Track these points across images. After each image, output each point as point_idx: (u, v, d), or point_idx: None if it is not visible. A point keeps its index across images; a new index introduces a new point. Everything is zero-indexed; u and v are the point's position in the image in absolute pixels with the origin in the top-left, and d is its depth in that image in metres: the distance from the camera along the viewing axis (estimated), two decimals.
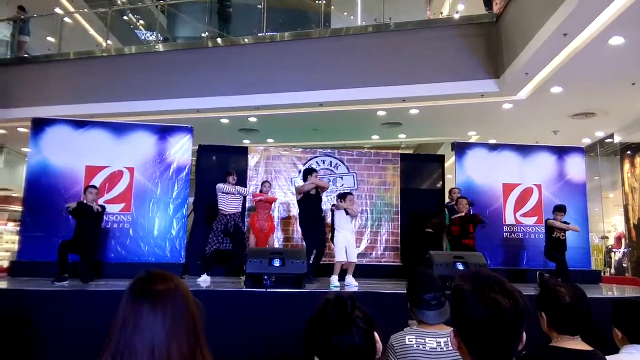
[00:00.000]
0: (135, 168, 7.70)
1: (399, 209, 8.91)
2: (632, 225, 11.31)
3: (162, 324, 1.16)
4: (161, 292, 1.19)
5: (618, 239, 12.03)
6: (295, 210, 8.45)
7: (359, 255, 7.66)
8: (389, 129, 11.11)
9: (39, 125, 7.68)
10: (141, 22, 14.61)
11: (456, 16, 10.50)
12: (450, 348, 2.08)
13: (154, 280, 1.22)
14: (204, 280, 6.37)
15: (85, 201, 6.41)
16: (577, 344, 1.96)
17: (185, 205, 7.85)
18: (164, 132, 8.00)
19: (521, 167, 8.78)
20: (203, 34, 11.38)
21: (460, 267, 5.97)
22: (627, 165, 11.62)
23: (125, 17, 14.16)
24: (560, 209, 7.15)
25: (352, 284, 6.37)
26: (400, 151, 11.96)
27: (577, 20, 6.22)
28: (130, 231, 7.53)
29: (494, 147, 9.02)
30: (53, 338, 4.53)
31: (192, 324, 1.20)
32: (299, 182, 8.76)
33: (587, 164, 9.21)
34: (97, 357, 1.17)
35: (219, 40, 10.52)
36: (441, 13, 12.59)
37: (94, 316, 4.14)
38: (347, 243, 6.47)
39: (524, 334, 1.20)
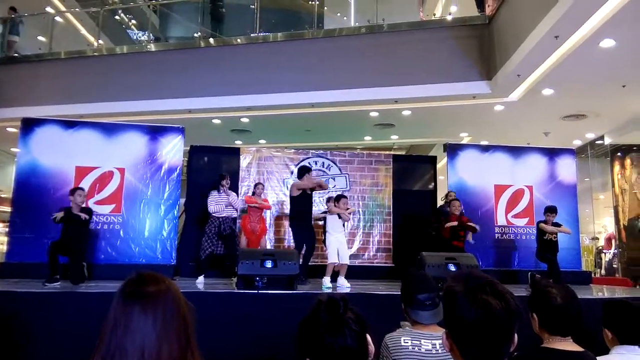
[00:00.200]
0: (126, 169, 7.65)
1: (392, 210, 8.92)
2: (622, 226, 11.41)
3: (153, 325, 1.15)
4: (152, 294, 1.18)
5: (608, 240, 12.12)
6: (285, 211, 8.47)
7: (351, 257, 7.66)
8: (382, 130, 11.13)
9: (29, 125, 7.60)
10: (133, 21, 14.52)
11: (449, 18, 10.55)
12: (445, 350, 2.07)
13: (145, 282, 1.21)
14: (201, 282, 6.38)
15: (72, 204, 6.30)
16: (569, 345, 1.97)
17: (177, 207, 7.80)
18: (155, 132, 7.95)
19: (513, 169, 8.82)
20: (195, 34, 11.33)
21: (452, 268, 5.98)
22: (617, 167, 11.72)
23: (117, 17, 14.07)
24: (551, 210, 7.19)
25: (344, 285, 6.37)
26: (392, 152, 11.99)
27: (568, 23, 6.27)
28: (121, 232, 7.48)
29: (485, 149, 9.06)
30: (43, 340, 4.49)
31: (183, 325, 1.20)
32: (291, 182, 8.76)
33: (577, 165, 9.28)
34: (88, 359, 1.16)
35: (211, 40, 10.49)
36: (434, 14, 12.65)
37: (84, 318, 4.11)
38: (339, 245, 6.47)
39: (516, 335, 1.20)
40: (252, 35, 10.29)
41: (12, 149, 11.46)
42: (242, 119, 10.43)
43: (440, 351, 2.14)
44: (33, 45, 11.68)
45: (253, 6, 10.68)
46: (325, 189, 7.57)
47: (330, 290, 6.05)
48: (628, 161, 11.48)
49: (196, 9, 11.70)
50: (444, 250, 7.12)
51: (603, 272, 11.98)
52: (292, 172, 8.83)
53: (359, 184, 8.95)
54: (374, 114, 9.96)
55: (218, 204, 6.79)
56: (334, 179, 8.86)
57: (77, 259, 6.27)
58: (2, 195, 12.89)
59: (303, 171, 7.14)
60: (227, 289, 5.89)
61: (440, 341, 2.15)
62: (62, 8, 12.88)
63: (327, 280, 6.32)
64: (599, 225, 13.02)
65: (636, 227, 11.23)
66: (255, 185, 7.89)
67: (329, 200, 7.90)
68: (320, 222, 7.89)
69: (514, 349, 1.22)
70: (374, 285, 6.71)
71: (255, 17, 10.46)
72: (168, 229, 7.62)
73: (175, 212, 7.76)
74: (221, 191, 6.87)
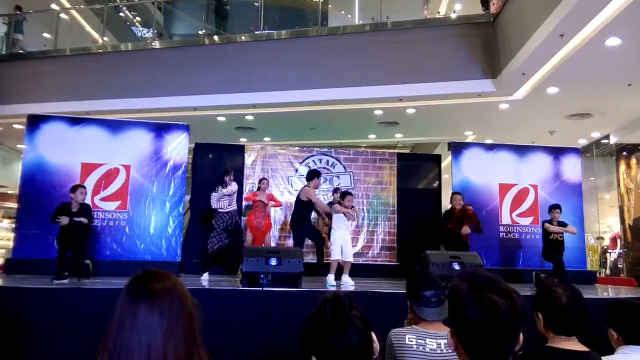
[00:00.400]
0: (132, 166, 7.67)
1: (396, 208, 8.92)
2: (627, 226, 11.35)
3: (159, 323, 1.15)
4: (158, 291, 1.19)
5: (613, 240, 12.08)
6: (290, 208, 8.51)
7: (356, 255, 7.66)
8: (386, 128, 11.11)
9: (35, 122, 7.63)
10: (137, 18, 14.53)
11: (453, 16, 10.52)
12: (450, 350, 2.08)
13: (151, 278, 1.21)
14: (206, 279, 6.41)
15: (73, 201, 6.30)
16: (573, 344, 1.97)
17: (182, 204, 7.83)
18: (160, 129, 7.97)
19: (517, 168, 8.79)
20: (200, 32, 11.34)
21: (456, 267, 5.98)
22: (622, 166, 11.66)
23: (121, 14, 14.10)
24: (555, 207, 7.17)
25: (348, 283, 6.37)
26: (396, 150, 11.98)
27: (574, 21, 6.24)
28: (127, 229, 7.50)
29: (490, 147, 9.03)
30: (49, 336, 4.51)
31: (189, 322, 1.20)
32: (296, 181, 8.78)
33: (583, 164, 9.23)
34: (94, 355, 1.17)
35: (215, 37, 10.50)
36: (438, 13, 12.60)
37: (90, 314, 4.13)
38: (343, 242, 6.47)
39: (521, 334, 1.21)
40: (256, 32, 10.29)
41: (18, 146, 11.51)
42: (246, 117, 10.44)
43: (445, 351, 2.14)
44: (38, 42, 11.73)
45: (257, 3, 10.68)
46: (328, 214, 7.52)
47: (334, 288, 6.05)
48: (634, 160, 11.41)
49: (200, 6, 11.72)
50: (448, 243, 7.13)
51: (608, 271, 11.95)
52: (296, 170, 8.84)
53: (363, 182, 8.95)
54: (378, 112, 9.95)
55: (220, 200, 6.83)
56: (338, 177, 8.85)
57: (79, 253, 6.30)
58: (9, 192, 12.97)
59: (312, 175, 7.18)
60: (232, 286, 5.90)
61: (445, 340, 2.14)
62: (67, 5, 12.93)
63: (331, 278, 6.33)
64: (604, 224, 12.98)
65: None
66: (260, 180, 7.92)
67: (335, 191, 7.91)
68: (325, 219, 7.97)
69: (518, 348, 1.22)
70: (378, 284, 6.71)
71: (260, 15, 10.46)
72: (173, 226, 7.65)
73: (180, 209, 7.78)
74: (224, 186, 6.92)
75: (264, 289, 5.24)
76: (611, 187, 12.25)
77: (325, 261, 7.25)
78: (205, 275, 6.52)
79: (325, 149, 9.26)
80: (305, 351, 1.40)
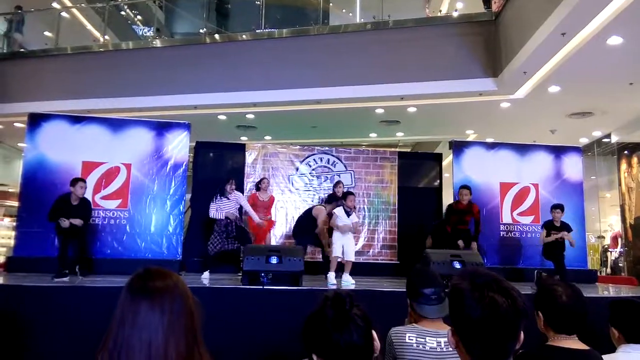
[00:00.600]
0: (133, 164, 7.68)
1: (397, 207, 8.92)
2: (628, 225, 11.34)
3: (160, 321, 1.15)
4: (159, 289, 1.19)
5: (614, 239, 12.07)
6: (290, 207, 8.50)
7: (356, 254, 7.64)
8: (387, 127, 11.11)
9: (36, 121, 7.64)
10: (139, 17, 14.54)
11: (455, 14, 10.51)
12: (450, 348, 2.08)
13: (152, 277, 1.21)
14: (206, 277, 6.40)
15: (72, 194, 6.28)
16: (574, 343, 1.97)
17: (183, 202, 7.83)
18: (161, 128, 7.97)
19: (518, 166, 8.78)
20: (201, 30, 11.34)
21: (457, 265, 5.97)
22: (624, 165, 11.64)
23: (122, 13, 14.10)
24: (556, 207, 7.12)
25: (349, 281, 6.37)
26: (397, 149, 11.98)
27: (575, 20, 6.23)
28: (127, 227, 7.51)
29: (491, 146, 9.02)
30: (50, 334, 4.52)
31: (190, 320, 1.20)
32: (297, 179, 8.78)
33: (584, 163, 9.21)
34: (95, 353, 1.17)
35: (217, 36, 10.50)
36: (440, 11, 12.58)
37: (91, 312, 4.14)
38: (344, 241, 6.47)
39: (522, 332, 1.21)
40: (257, 31, 10.29)
41: (19, 144, 11.53)
42: (247, 115, 10.43)
43: (444, 349, 2.14)
44: (40, 40, 11.74)
45: (258, 2, 10.68)
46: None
47: (335, 286, 6.06)
48: (635, 159, 11.39)
49: (202, 5, 11.72)
50: (451, 234, 7.20)
51: (609, 270, 11.94)
52: (297, 169, 8.84)
53: (364, 181, 8.95)
54: (379, 111, 9.94)
55: (219, 210, 6.72)
56: (339, 176, 8.85)
57: (80, 248, 6.32)
58: (10, 190, 12.97)
59: (332, 199, 7.36)
60: (233, 284, 5.90)
61: (445, 339, 2.14)
62: (68, 3, 12.94)
63: (332, 276, 6.33)
64: (605, 223, 12.96)
65: None
66: (260, 180, 7.85)
67: (337, 184, 7.80)
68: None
69: (519, 346, 1.22)
70: (378, 282, 6.71)
71: (261, 13, 10.46)
72: (174, 225, 7.66)
73: (181, 208, 7.79)
74: (226, 196, 6.79)
75: (265, 287, 5.25)
76: (612, 186, 12.23)
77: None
78: (206, 274, 6.51)
79: (326, 148, 9.26)
80: (306, 349, 1.40)
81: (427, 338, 2.18)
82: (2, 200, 13.11)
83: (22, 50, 11.06)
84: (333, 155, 9.01)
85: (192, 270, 7.30)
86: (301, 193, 8.81)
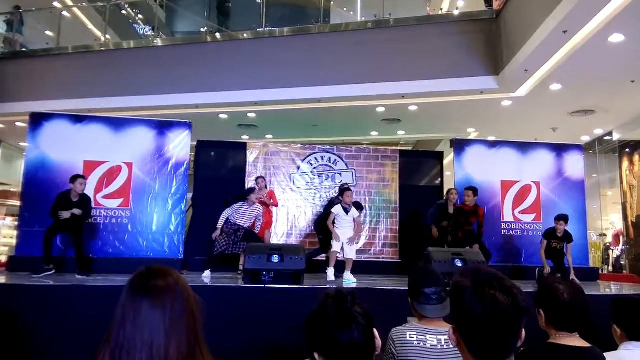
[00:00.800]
0: (134, 163, 7.68)
1: (398, 205, 8.92)
2: (630, 222, 11.33)
3: (162, 319, 1.15)
4: (161, 288, 1.19)
5: (616, 237, 12.04)
6: (292, 206, 8.50)
7: (358, 252, 7.65)
8: (388, 126, 11.10)
9: (37, 120, 7.64)
10: (140, 16, 14.53)
11: (456, 12, 10.49)
12: (451, 346, 2.08)
13: (153, 275, 1.21)
14: (208, 276, 6.39)
15: (72, 191, 6.31)
16: (576, 340, 1.97)
17: (184, 201, 7.84)
18: (162, 127, 7.97)
19: (520, 164, 8.77)
20: (202, 29, 11.34)
21: (458, 264, 5.97)
22: (625, 163, 11.62)
23: (123, 12, 14.09)
24: (560, 218, 7.03)
25: (351, 280, 6.37)
26: (399, 148, 11.97)
27: (577, 18, 6.22)
28: (129, 226, 7.52)
29: (492, 144, 9.01)
30: (51, 333, 4.52)
31: (191, 319, 1.20)
32: (298, 178, 8.78)
33: (585, 161, 9.21)
34: (96, 352, 1.17)
35: (218, 35, 10.50)
36: (441, 9, 12.56)
37: (93, 311, 4.14)
38: (345, 239, 6.47)
39: (523, 330, 1.21)
40: (258, 30, 10.29)
41: (21, 144, 11.55)
42: (249, 114, 10.44)
43: (445, 347, 2.13)
44: (41, 40, 11.74)
45: (259, 1, 10.67)
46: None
47: (334, 282, 6.06)
48: (636, 157, 11.38)
49: (203, 4, 11.72)
50: (454, 235, 7.20)
51: (610, 268, 11.92)
52: (298, 167, 8.84)
53: (366, 180, 8.95)
54: (380, 109, 9.94)
55: (232, 217, 6.60)
56: (340, 174, 8.85)
57: (78, 245, 6.33)
58: (12, 190, 12.99)
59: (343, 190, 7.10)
60: (234, 283, 5.91)
61: (445, 337, 2.14)
62: (70, 3, 12.93)
63: (331, 272, 6.32)
64: (607, 221, 12.94)
65: None
66: (256, 179, 7.75)
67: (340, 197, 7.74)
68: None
69: (521, 344, 1.22)
70: (380, 281, 6.71)
71: (262, 12, 10.46)
72: (175, 224, 7.66)
73: (183, 207, 7.80)
74: (249, 204, 6.70)
75: (266, 286, 5.25)
76: (614, 184, 12.21)
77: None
78: (207, 273, 6.49)
79: (328, 146, 9.25)
80: (308, 347, 1.40)
81: (428, 336, 2.18)
82: (4, 199, 13.13)
83: (23, 49, 11.08)
84: (334, 154, 9.01)
85: (194, 269, 7.30)
86: (302, 192, 8.82)
